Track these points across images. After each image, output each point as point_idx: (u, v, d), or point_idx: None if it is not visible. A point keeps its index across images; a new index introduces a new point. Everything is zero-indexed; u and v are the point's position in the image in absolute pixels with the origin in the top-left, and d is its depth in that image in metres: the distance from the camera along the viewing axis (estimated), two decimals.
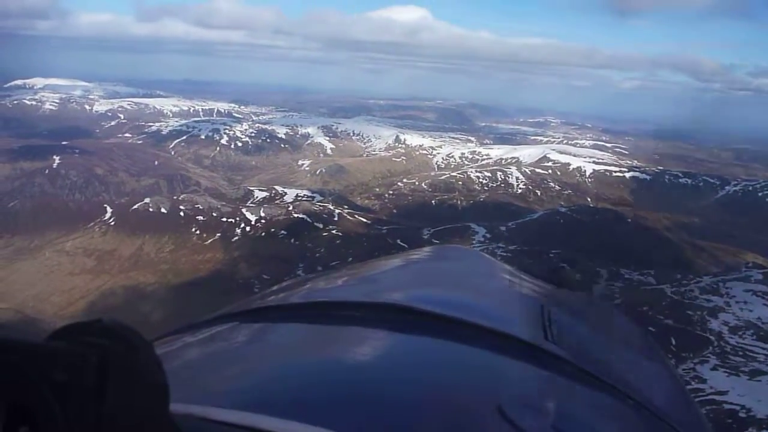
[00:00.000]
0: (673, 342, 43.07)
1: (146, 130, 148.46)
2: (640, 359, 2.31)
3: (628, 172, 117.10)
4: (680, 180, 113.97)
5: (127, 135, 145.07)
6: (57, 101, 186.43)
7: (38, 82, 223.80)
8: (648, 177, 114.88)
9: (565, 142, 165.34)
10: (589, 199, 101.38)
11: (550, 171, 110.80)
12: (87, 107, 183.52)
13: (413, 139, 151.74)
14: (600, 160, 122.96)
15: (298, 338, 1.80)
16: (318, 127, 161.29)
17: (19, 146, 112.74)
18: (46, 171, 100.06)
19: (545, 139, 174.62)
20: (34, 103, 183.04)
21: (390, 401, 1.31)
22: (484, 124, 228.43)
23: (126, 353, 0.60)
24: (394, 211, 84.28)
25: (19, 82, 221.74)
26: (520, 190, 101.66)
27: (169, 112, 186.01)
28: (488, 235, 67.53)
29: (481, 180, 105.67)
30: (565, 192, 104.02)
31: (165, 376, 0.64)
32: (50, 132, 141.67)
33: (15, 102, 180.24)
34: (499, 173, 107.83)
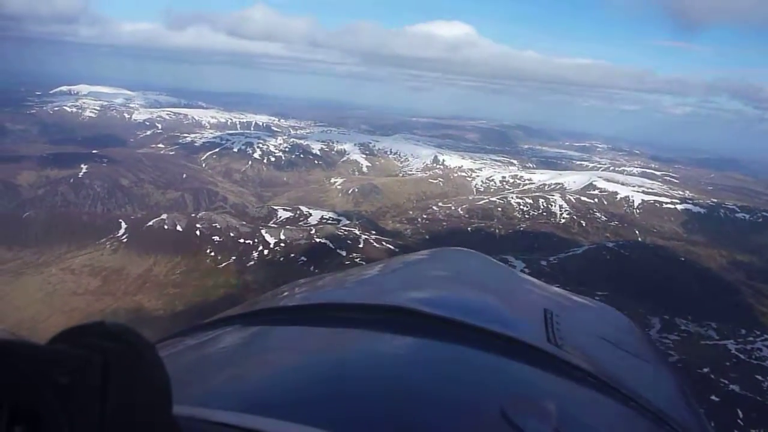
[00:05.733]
0: (740, 414, 36.69)
1: (180, 140, 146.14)
2: (643, 362, 2.31)
3: (680, 203, 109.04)
4: (737, 215, 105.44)
5: (160, 145, 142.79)
6: (97, 108, 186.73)
7: (83, 89, 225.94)
8: (702, 210, 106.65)
9: (612, 168, 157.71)
10: (637, 232, 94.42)
11: (596, 200, 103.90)
12: (126, 115, 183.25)
13: (452, 159, 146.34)
14: (649, 190, 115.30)
15: (301, 341, 1.81)
16: (355, 144, 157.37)
17: (49, 153, 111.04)
18: (71, 180, 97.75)
19: (591, 165, 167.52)
20: (74, 109, 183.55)
21: (393, 403, 1.31)
22: (527, 146, 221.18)
23: (129, 355, 0.60)
24: (426, 237, 78.79)
25: (64, 88, 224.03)
26: (563, 220, 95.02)
27: (206, 124, 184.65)
28: (527, 270, 61.50)
29: (521, 207, 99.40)
30: (612, 223, 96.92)
31: (168, 379, 0.65)
32: (84, 139, 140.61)
33: (56, 108, 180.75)
34: (541, 200, 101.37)
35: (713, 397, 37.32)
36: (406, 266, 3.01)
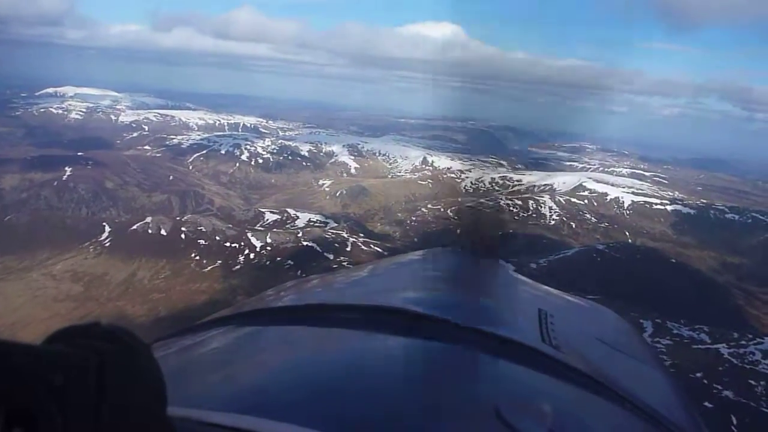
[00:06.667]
0: (734, 422, 36.04)
1: (167, 142, 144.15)
2: (638, 363, 2.35)
3: (669, 204, 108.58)
4: (727, 215, 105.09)
5: (147, 147, 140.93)
6: (83, 111, 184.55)
7: (69, 90, 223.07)
8: (691, 211, 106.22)
9: (601, 169, 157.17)
10: (627, 234, 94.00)
11: (585, 201, 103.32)
12: (112, 117, 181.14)
13: (441, 161, 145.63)
14: (639, 191, 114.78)
15: (295, 341, 1.81)
16: (343, 146, 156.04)
17: (33, 156, 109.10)
18: (55, 183, 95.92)
19: (581, 166, 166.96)
20: (60, 111, 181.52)
21: (387, 404, 1.31)
22: (517, 147, 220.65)
23: (125, 356, 0.61)
24: (415, 239, 78.02)
25: (50, 90, 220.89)
26: (553, 222, 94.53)
27: (194, 125, 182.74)
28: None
29: (511, 208, 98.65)
30: (602, 225, 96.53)
31: (163, 379, 0.65)
32: (70, 142, 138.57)
33: (42, 110, 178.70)
34: (531, 202, 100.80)
35: (707, 404, 36.68)
36: (399, 267, 3.02)
